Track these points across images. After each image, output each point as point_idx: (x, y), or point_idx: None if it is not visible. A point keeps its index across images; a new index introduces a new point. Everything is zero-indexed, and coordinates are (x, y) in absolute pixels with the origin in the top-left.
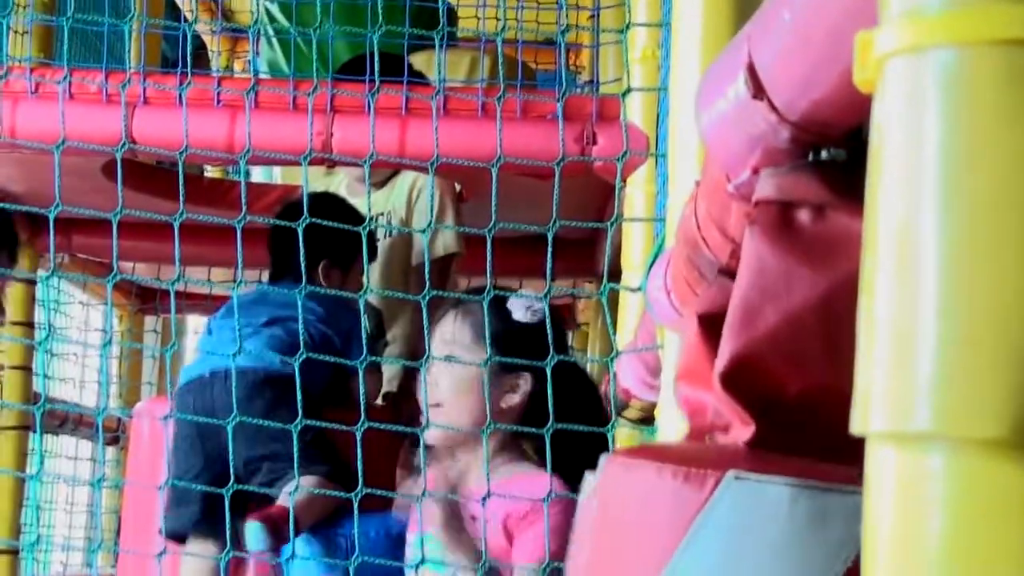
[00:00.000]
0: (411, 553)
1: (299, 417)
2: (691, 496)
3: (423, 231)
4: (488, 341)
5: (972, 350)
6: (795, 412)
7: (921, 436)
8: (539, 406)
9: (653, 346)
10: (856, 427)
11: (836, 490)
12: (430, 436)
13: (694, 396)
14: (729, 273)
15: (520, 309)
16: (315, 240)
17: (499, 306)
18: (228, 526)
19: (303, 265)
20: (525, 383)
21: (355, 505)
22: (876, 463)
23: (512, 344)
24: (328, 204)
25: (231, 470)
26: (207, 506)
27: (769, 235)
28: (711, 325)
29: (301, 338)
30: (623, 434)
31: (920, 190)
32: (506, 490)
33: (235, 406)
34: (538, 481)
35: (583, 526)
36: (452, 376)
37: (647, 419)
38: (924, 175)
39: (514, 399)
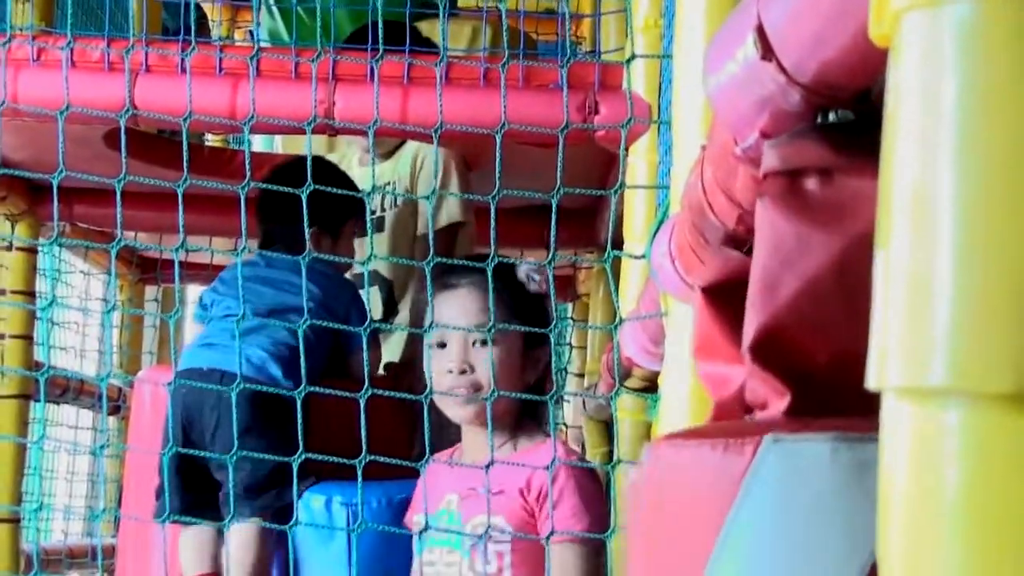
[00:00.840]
0: (419, 531)
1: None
2: (734, 465)
3: (427, 198)
4: (493, 314)
5: (988, 305)
6: (827, 377)
7: (937, 391)
8: (550, 375)
9: (657, 313)
10: (872, 382)
11: (874, 439)
12: (461, 414)
13: (712, 370)
14: (734, 241)
15: (531, 279)
16: (303, 207)
17: (511, 280)
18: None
19: (305, 231)
20: (544, 355)
21: (359, 473)
22: (892, 419)
23: (535, 317)
24: (316, 169)
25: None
26: (189, 497)
27: (780, 205)
28: (716, 296)
29: (302, 343)
30: (627, 402)
31: (937, 144)
32: (529, 461)
33: (219, 410)
34: (549, 449)
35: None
36: (489, 360)
37: (650, 388)
38: (941, 129)
39: (536, 374)
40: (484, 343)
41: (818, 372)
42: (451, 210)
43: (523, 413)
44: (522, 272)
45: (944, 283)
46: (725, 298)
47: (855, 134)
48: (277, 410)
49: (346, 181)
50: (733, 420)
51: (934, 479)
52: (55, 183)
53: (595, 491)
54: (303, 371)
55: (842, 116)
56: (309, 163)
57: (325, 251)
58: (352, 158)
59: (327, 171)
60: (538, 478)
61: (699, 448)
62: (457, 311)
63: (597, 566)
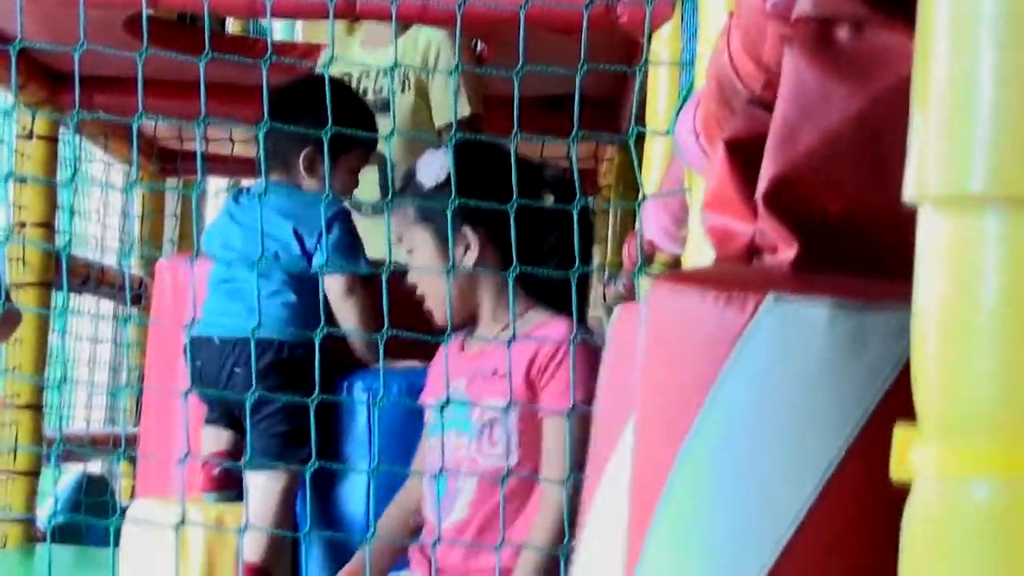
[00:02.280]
0: (431, 418)
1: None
2: (733, 318)
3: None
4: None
5: None
6: (837, 230)
7: (977, 198)
8: (509, 245)
9: (680, 190)
10: (910, 194)
11: (875, 308)
12: (436, 320)
13: (720, 223)
14: (760, 103)
15: (425, 171)
16: (302, 125)
17: (411, 180)
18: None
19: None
20: (470, 234)
21: (381, 358)
22: (930, 229)
23: (440, 210)
24: (327, 89)
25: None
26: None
27: (807, 52)
28: (738, 152)
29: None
30: (647, 285)
31: None
32: (525, 343)
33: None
34: (555, 326)
35: (622, 350)
36: (417, 267)
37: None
38: None
39: (473, 255)
40: (411, 254)
41: (828, 224)
42: (460, 104)
43: (503, 291)
44: (419, 163)
45: (985, 91)
46: (745, 153)
47: None
48: (298, 368)
49: (362, 111)
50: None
51: (973, 286)
52: (76, 56)
53: (594, 364)
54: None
55: None
56: (331, 53)
57: (318, 175)
58: (354, 44)
59: (342, 95)
60: (539, 355)
61: (701, 298)
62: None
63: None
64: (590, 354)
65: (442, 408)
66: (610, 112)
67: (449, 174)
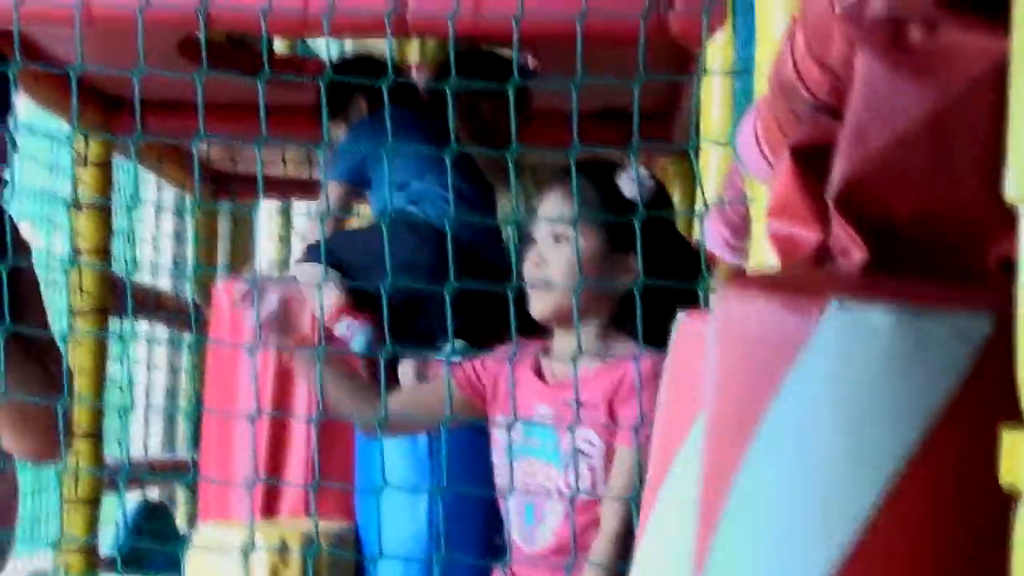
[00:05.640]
0: (504, 438)
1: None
2: (798, 324)
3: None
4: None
5: None
6: (908, 233)
7: None
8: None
9: (741, 199)
10: (1011, 194)
11: (940, 313)
12: (535, 310)
13: (784, 230)
14: (826, 109)
15: (629, 184)
16: None
17: (606, 181)
18: None
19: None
20: (636, 263)
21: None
22: None
23: (622, 222)
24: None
25: None
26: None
27: (880, 53)
28: (804, 159)
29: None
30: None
31: None
32: (614, 371)
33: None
34: (631, 363)
35: (683, 364)
36: (563, 256)
37: None
38: None
39: (626, 279)
40: (558, 239)
41: (899, 227)
42: None
43: (614, 321)
44: (622, 174)
45: None
46: (811, 161)
47: None
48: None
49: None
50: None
51: None
52: (136, 80)
53: None
54: None
55: None
56: (390, 67)
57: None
58: None
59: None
60: (623, 385)
61: (767, 303)
62: (547, 208)
63: None
64: None
65: (509, 427)
66: (661, 123)
67: (654, 195)
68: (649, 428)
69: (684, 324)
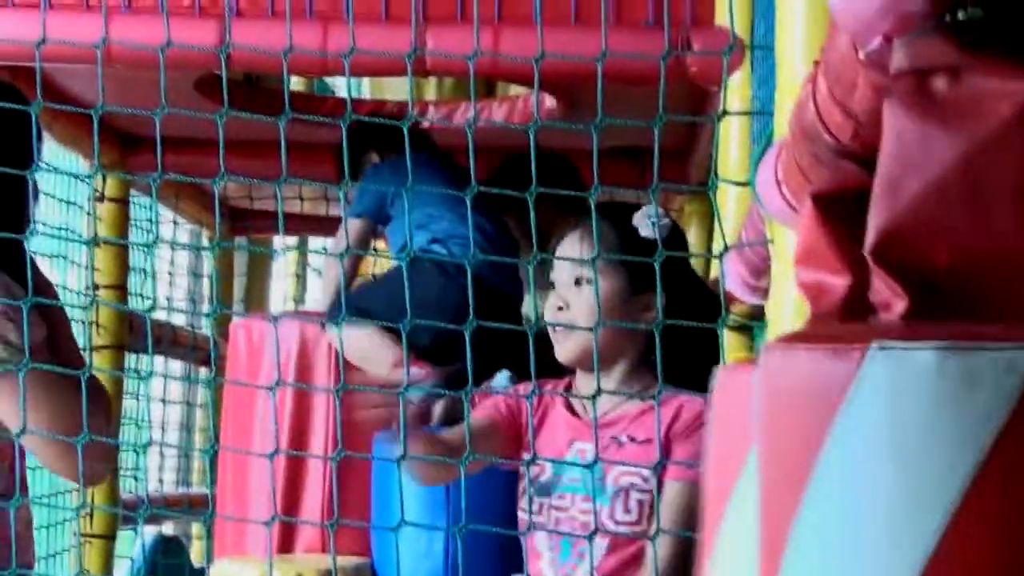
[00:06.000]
0: (535, 475)
1: None
2: (841, 371)
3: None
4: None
5: None
6: (948, 281)
7: None
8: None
9: (763, 240)
10: None
11: (983, 348)
12: (561, 354)
13: (813, 278)
14: (848, 155)
15: (645, 225)
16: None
17: (623, 223)
18: None
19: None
20: (657, 303)
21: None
22: None
23: (642, 262)
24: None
25: None
26: None
27: (906, 105)
28: (827, 205)
29: None
30: (728, 340)
31: None
32: (665, 408)
33: None
34: (689, 398)
35: (727, 417)
36: (584, 299)
37: (746, 327)
38: None
39: (648, 318)
40: (579, 282)
41: (938, 275)
42: None
43: (642, 359)
44: (638, 215)
45: None
46: (835, 207)
47: (986, 32)
48: None
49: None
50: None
51: None
52: (158, 119)
53: None
54: None
55: (971, 14)
56: (411, 105)
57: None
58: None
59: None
60: (678, 423)
61: (809, 352)
62: (566, 252)
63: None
64: None
65: (529, 463)
66: (678, 162)
67: (669, 234)
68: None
69: (725, 373)
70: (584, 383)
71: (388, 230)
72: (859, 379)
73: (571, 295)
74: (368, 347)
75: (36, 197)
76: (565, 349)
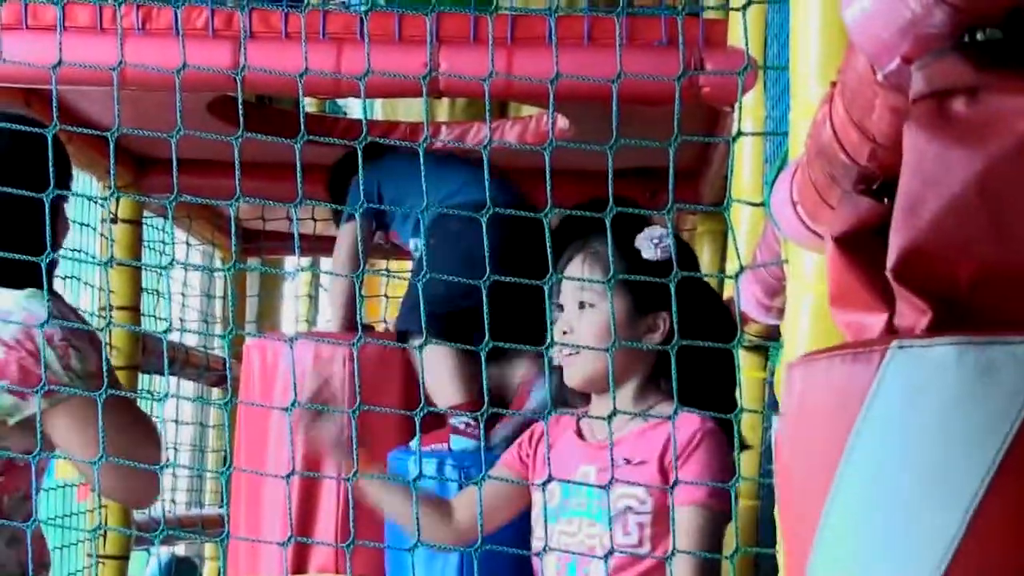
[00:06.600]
0: (547, 500)
1: None
2: (862, 372)
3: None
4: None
5: None
6: (970, 297)
7: None
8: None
9: (777, 261)
10: None
11: (1001, 342)
12: (568, 377)
13: (852, 319)
14: (865, 179)
15: (648, 246)
16: None
17: (626, 245)
18: None
19: None
20: (664, 322)
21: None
22: None
23: (645, 283)
24: None
25: None
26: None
27: (925, 126)
28: (848, 245)
29: None
30: (742, 360)
31: None
32: (662, 429)
33: None
34: (686, 417)
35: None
36: (588, 322)
37: (759, 347)
38: None
39: (653, 339)
40: (583, 306)
41: (960, 292)
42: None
43: (649, 380)
44: (641, 236)
45: None
46: (858, 246)
47: (1004, 52)
48: None
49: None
50: None
51: None
52: (174, 141)
53: (726, 454)
54: None
55: (990, 35)
56: (426, 126)
57: None
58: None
59: None
60: (676, 444)
61: (830, 359)
62: (567, 284)
63: (722, 529)
64: (723, 446)
65: (545, 485)
66: (691, 182)
67: (671, 254)
68: (704, 488)
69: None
70: (597, 407)
71: (396, 227)
72: (879, 379)
73: (575, 319)
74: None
75: (67, 227)
76: (571, 373)
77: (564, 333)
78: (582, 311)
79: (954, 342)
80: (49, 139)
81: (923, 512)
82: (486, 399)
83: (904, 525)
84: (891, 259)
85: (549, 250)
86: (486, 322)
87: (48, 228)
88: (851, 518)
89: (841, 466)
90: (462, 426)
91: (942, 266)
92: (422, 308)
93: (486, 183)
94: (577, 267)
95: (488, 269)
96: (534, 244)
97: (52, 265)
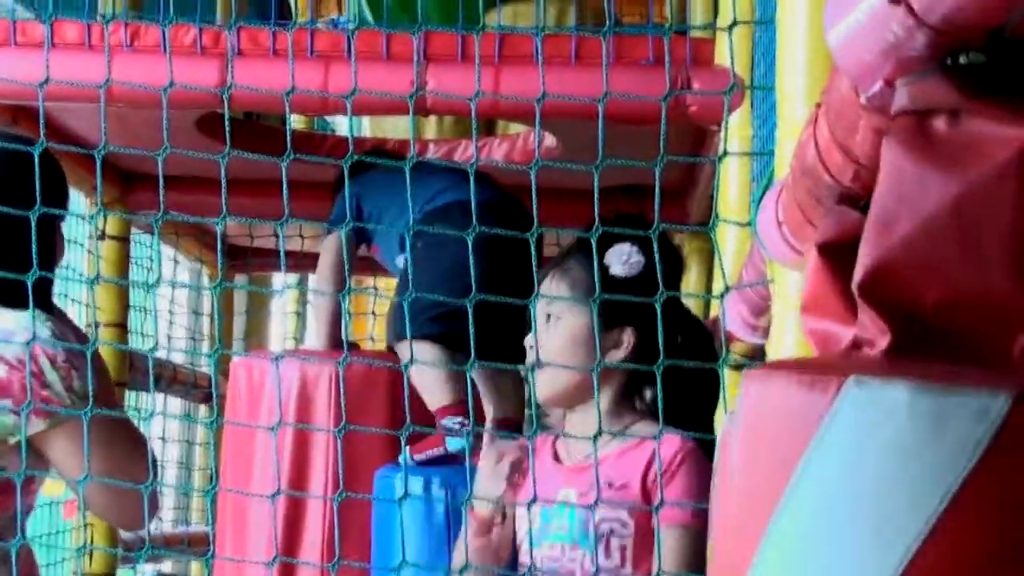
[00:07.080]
0: (526, 524)
1: None
2: (816, 401)
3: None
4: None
5: None
6: (933, 320)
7: None
8: (647, 359)
9: (763, 280)
10: None
11: (956, 390)
12: (538, 394)
13: (820, 327)
14: (849, 198)
15: (617, 263)
16: None
17: (593, 259)
18: None
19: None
20: (629, 336)
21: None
22: None
23: (611, 299)
24: None
25: None
26: None
27: (904, 144)
28: (831, 254)
29: None
30: (728, 377)
31: None
32: (643, 450)
33: None
34: (667, 438)
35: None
36: (553, 336)
37: (743, 366)
38: None
39: (618, 355)
40: (549, 319)
41: (925, 313)
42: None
43: (624, 397)
44: (610, 252)
45: None
46: (840, 256)
47: (987, 77)
48: None
49: None
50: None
51: None
52: (160, 160)
53: (708, 474)
54: None
55: (973, 59)
56: (414, 143)
57: None
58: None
59: None
60: (654, 465)
61: (787, 381)
62: (542, 290)
63: (704, 550)
64: (704, 466)
65: (533, 507)
66: (677, 200)
67: (641, 271)
68: (688, 508)
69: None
70: (570, 424)
71: (378, 241)
72: (834, 412)
73: (542, 333)
74: (429, 368)
75: (63, 246)
76: (539, 388)
77: (530, 348)
78: (547, 324)
79: (910, 386)
80: (36, 157)
81: (863, 550)
82: (470, 406)
83: (845, 557)
84: (858, 273)
85: (534, 268)
86: (470, 331)
87: (46, 246)
88: (792, 546)
89: (787, 492)
90: (456, 427)
91: (909, 286)
92: (406, 312)
93: (471, 183)
94: (547, 281)
95: (474, 272)
96: (520, 244)
97: (49, 284)
